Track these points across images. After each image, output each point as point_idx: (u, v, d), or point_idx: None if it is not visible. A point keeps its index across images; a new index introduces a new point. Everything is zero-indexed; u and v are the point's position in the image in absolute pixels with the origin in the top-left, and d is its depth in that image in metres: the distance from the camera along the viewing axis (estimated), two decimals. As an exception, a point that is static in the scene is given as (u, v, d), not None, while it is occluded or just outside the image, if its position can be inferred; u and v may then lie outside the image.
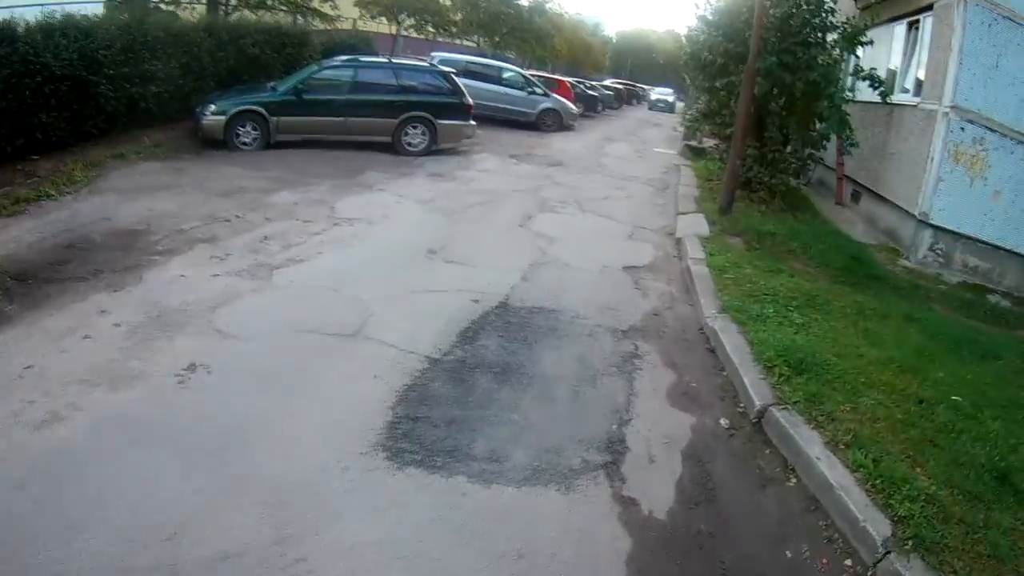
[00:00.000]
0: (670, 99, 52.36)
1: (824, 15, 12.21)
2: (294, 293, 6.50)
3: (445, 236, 8.84)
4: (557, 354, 5.82)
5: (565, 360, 5.73)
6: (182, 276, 6.53)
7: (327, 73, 14.02)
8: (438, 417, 4.64)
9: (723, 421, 5.13)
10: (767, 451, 4.81)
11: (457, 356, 5.54)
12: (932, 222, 10.75)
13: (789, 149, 12.63)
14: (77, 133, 10.73)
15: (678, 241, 9.74)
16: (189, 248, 7.33)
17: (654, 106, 51.93)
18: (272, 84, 13.80)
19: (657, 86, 59.36)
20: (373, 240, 8.40)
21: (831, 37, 12.31)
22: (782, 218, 11.48)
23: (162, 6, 18.22)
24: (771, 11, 11.63)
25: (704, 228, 10.17)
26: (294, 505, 3.65)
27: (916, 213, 10.88)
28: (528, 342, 5.98)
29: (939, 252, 10.90)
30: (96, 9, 14.70)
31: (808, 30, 12.11)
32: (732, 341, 6.03)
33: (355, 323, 5.90)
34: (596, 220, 10.91)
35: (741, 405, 5.32)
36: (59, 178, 9.26)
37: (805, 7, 12.08)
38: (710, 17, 13.54)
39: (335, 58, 15.23)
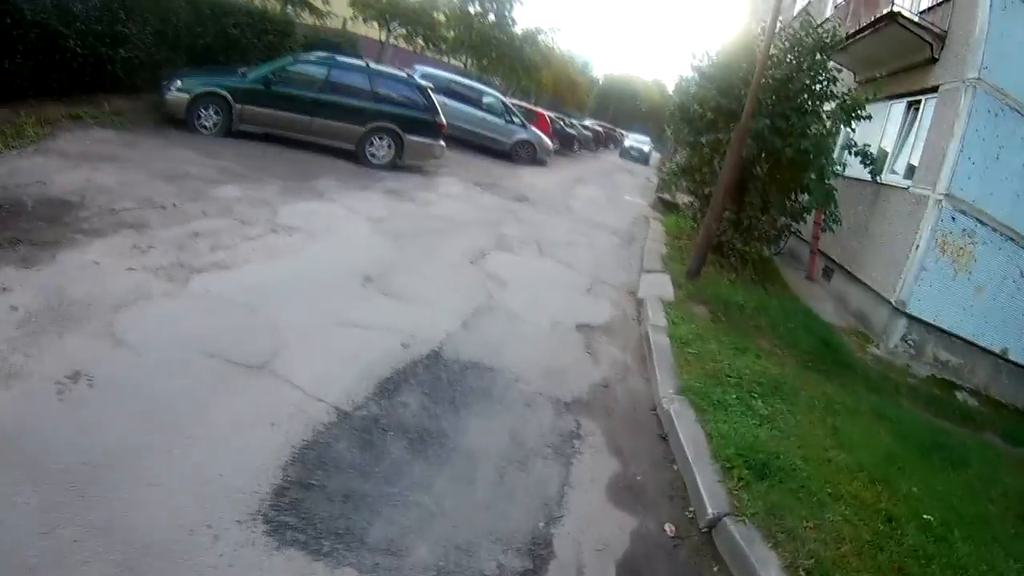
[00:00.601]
0: (646, 148, 48.30)
1: (824, 83, 11.66)
2: (208, 305, 5.72)
3: (388, 262, 8.08)
4: (487, 424, 5.05)
5: (495, 433, 4.96)
6: (96, 263, 5.84)
7: (300, 67, 13.31)
8: (335, 488, 3.88)
9: (668, 527, 4.44)
10: (715, 568, 4.18)
11: (371, 412, 4.75)
12: (908, 311, 10.27)
13: (766, 217, 12.00)
14: (39, 86, 10.22)
15: (640, 302, 9.04)
16: (114, 232, 6.63)
17: (626, 154, 47.55)
18: (243, 70, 13.10)
19: (633, 131, 54.97)
20: (309, 255, 7.61)
21: (828, 107, 11.77)
22: (752, 289, 10.85)
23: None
24: (770, 71, 11.11)
25: (669, 291, 9.49)
26: (151, 573, 3.01)
27: (892, 300, 10.39)
28: (456, 405, 5.19)
29: (911, 343, 10.43)
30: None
31: (805, 96, 11.58)
32: (688, 431, 5.33)
33: (264, 353, 5.12)
34: (555, 267, 10.26)
35: (691, 509, 4.64)
36: (8, 130, 8.75)
37: (806, 71, 11.52)
38: (706, 68, 12.89)
39: (311, 53, 14.54)
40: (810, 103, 11.63)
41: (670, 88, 15.42)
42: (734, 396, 6.06)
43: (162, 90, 11.97)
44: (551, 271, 9.94)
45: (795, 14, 15.27)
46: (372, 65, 14.46)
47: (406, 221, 10.22)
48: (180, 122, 11.84)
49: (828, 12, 17.14)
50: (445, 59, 39.21)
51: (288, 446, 4.11)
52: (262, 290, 6.22)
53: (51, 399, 3.94)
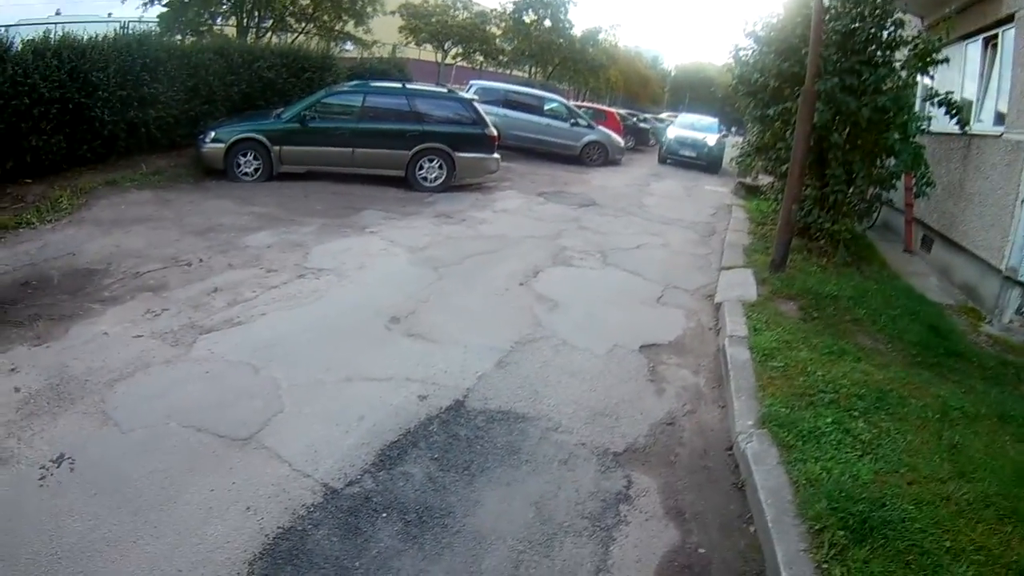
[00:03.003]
0: (710, 140, 25.30)
1: (893, 28, 10.25)
2: (208, 369, 5.16)
3: (421, 297, 7.22)
4: (507, 494, 4.03)
5: (516, 505, 3.93)
6: (105, 334, 5.59)
7: (334, 99, 12.81)
8: (302, 592, 3.14)
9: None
10: None
11: (365, 488, 3.90)
12: (1021, 279, 8.77)
13: (852, 189, 10.62)
14: (72, 157, 10.44)
15: (718, 307, 7.81)
16: (131, 297, 6.43)
17: (673, 154, 25.37)
18: (279, 111, 12.68)
19: (687, 114, 33.84)
20: (331, 299, 6.88)
21: (900, 55, 10.36)
22: (846, 274, 9.46)
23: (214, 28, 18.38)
24: (830, 24, 9.86)
25: (751, 290, 8.20)
26: None
27: (1002, 267, 8.84)
28: (471, 471, 4.20)
29: (1030, 315, 8.92)
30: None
31: (873, 47, 10.21)
32: (769, 478, 4.12)
33: (255, 422, 4.44)
34: (620, 276, 9.04)
35: (771, 595, 3.57)
36: (44, 205, 8.96)
37: (869, 19, 10.16)
38: (760, 32, 11.61)
39: (344, 84, 14.04)
40: (880, 54, 10.25)
41: (731, 58, 13.41)
42: (829, 420, 4.86)
43: (197, 144, 11.83)
44: (616, 282, 8.75)
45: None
46: (409, 85, 13.81)
47: (450, 246, 9.36)
48: (221, 173, 11.71)
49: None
50: (508, 71, 38.74)
51: (261, 535, 3.44)
52: (270, 345, 5.63)
53: (32, 485, 3.69)
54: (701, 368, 6.30)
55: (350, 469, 4.06)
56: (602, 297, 8.02)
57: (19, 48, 9.66)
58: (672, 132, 26.37)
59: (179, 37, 16.86)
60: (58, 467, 3.83)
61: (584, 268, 9.20)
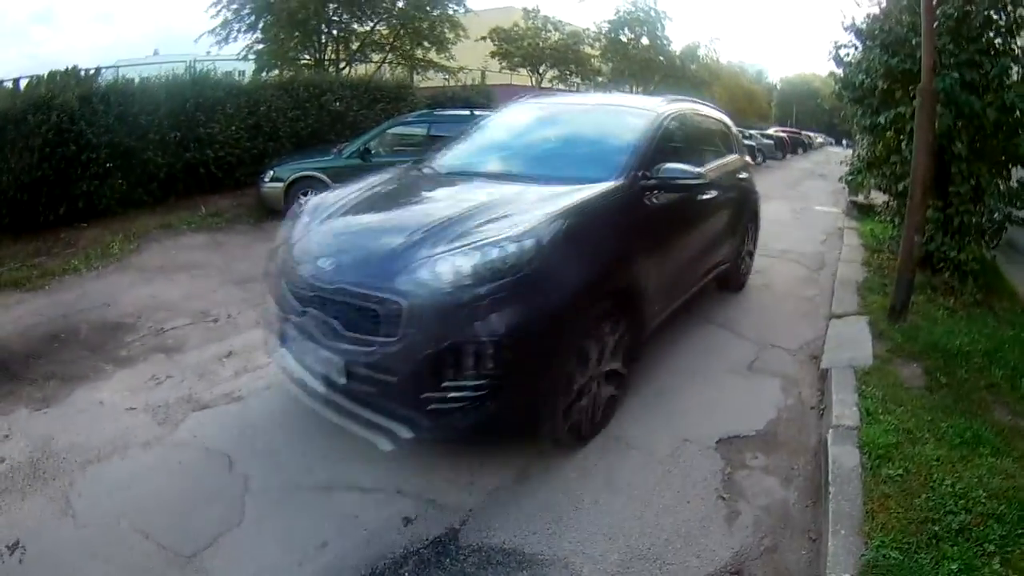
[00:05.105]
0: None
1: (1013, 7, 8.38)
2: (182, 459, 4.35)
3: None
4: None
5: None
6: (101, 403, 5.10)
7: (397, 130, 12.16)
8: None
9: None
10: None
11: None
12: None
13: (980, 208, 8.76)
14: (128, 200, 10.52)
15: (823, 375, 5.87)
16: (144, 359, 5.91)
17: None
18: (341, 146, 12.15)
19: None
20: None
21: (1020, 42, 8.52)
22: (977, 318, 7.34)
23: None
24: (939, 8, 7.96)
25: (866, 348, 6.20)
26: None
27: None
28: None
29: None
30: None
31: (991, 33, 8.43)
32: None
33: (206, 535, 3.56)
34: (706, 331, 6.96)
35: None
36: (95, 250, 8.92)
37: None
38: (862, 25, 9.79)
39: (409, 114, 13.36)
40: (1003, 42, 8.52)
41: (832, 60, 11.42)
42: (955, 567, 3.21)
43: (258, 183, 11.54)
44: (698, 339, 6.70)
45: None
46: (477, 112, 12.81)
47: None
48: (283, 214, 11.12)
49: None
50: (609, 92, 38.09)
51: None
52: (258, 431, 4.69)
53: (-21, 576, 3.28)
54: (794, 474, 4.37)
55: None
56: (678, 361, 6.17)
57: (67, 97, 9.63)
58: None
59: (276, 72, 17.36)
60: (11, 555, 3.45)
61: (666, 315, 7.48)
